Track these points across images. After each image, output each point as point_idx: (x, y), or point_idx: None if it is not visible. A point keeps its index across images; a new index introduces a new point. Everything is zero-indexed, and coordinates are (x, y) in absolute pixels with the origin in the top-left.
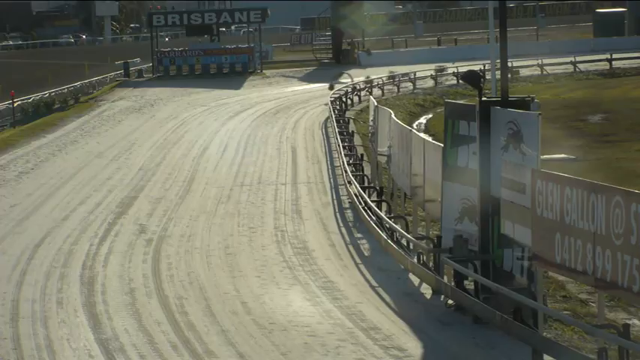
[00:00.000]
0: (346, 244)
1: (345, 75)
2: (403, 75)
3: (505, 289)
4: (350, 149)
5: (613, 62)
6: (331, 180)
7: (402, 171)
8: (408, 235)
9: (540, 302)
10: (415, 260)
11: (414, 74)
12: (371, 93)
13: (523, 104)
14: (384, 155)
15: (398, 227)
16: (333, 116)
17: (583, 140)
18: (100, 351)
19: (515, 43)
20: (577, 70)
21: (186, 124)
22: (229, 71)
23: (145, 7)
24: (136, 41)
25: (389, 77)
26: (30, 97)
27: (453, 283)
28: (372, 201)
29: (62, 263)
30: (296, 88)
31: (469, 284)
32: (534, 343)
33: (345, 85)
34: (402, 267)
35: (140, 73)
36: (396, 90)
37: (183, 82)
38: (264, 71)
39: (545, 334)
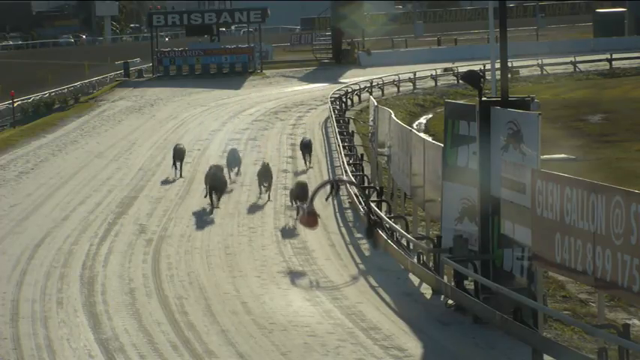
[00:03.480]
0: (346, 244)
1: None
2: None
3: (505, 289)
4: (350, 149)
5: (613, 62)
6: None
7: (402, 171)
8: (408, 235)
9: (540, 302)
10: (415, 260)
11: (415, 74)
12: (371, 93)
13: (523, 104)
14: (384, 155)
15: (398, 227)
16: (333, 116)
17: (583, 140)
18: (100, 351)
19: (515, 43)
20: (577, 70)
21: (186, 124)
22: (229, 71)
23: (144, 7)
24: (136, 41)
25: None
26: (30, 97)
27: (453, 283)
28: (372, 201)
29: (62, 263)
30: (296, 88)
31: (469, 284)
32: (534, 343)
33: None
34: (402, 267)
35: (140, 73)
36: (396, 90)
37: (183, 82)
38: (264, 71)
39: (545, 334)
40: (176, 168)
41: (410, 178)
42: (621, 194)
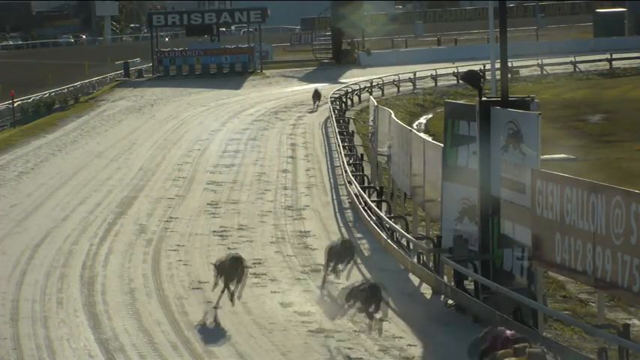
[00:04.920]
0: None
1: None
2: None
3: (505, 289)
4: (350, 149)
5: (613, 62)
6: (331, 180)
7: (402, 171)
8: (408, 235)
9: (540, 302)
10: (415, 260)
11: (415, 74)
12: (371, 93)
13: (523, 104)
14: (384, 155)
15: (398, 227)
16: (333, 116)
17: (583, 140)
18: (99, 351)
19: (515, 43)
20: (577, 70)
21: (186, 124)
22: (229, 71)
23: (144, 7)
24: (136, 41)
25: None
26: (30, 97)
27: (453, 283)
28: (372, 201)
29: (62, 263)
30: (296, 88)
31: (469, 284)
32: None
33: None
34: (402, 267)
35: (140, 73)
36: (396, 90)
37: (183, 82)
38: (264, 71)
39: (545, 334)
40: None
41: (410, 178)
42: (621, 194)
